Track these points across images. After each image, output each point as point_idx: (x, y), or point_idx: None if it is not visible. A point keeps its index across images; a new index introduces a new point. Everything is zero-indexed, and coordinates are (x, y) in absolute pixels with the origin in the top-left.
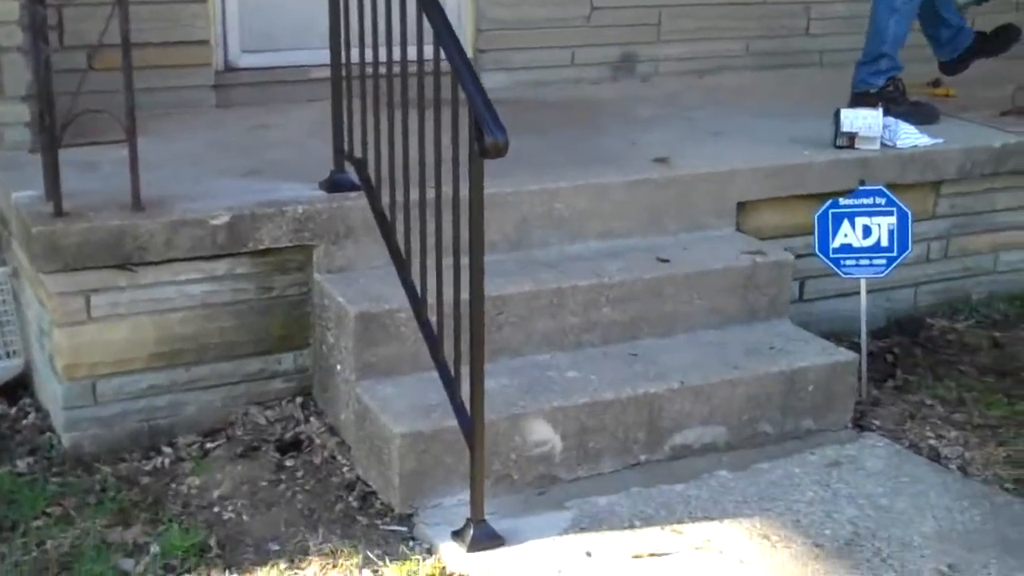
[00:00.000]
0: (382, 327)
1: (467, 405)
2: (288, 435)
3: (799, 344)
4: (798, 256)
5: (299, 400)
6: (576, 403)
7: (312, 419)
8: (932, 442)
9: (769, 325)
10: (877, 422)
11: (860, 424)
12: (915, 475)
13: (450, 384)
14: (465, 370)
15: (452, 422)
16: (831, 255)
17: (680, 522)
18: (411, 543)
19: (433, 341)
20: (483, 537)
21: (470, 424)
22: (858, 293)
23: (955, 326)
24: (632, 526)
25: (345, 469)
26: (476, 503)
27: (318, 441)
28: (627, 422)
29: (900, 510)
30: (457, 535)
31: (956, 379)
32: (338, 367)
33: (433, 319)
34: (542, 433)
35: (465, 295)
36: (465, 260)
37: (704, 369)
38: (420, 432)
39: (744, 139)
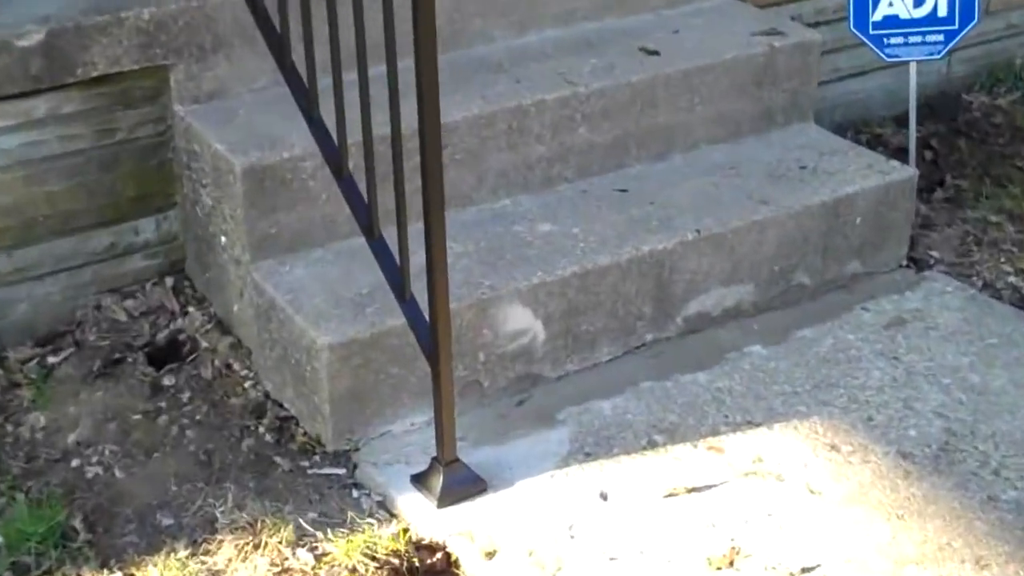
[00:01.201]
0: (282, 184)
1: (419, 299)
2: (161, 336)
3: (837, 159)
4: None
5: (169, 282)
6: (560, 274)
7: (191, 309)
8: (1012, 279)
9: (791, 133)
10: (935, 254)
11: (914, 259)
12: (1004, 333)
13: (393, 269)
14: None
15: (396, 320)
16: (871, 31)
17: (716, 433)
18: (355, 494)
19: (360, 205)
20: (458, 484)
21: (429, 330)
22: (881, 69)
23: (998, 103)
24: (653, 444)
25: (247, 384)
26: (445, 441)
27: (204, 343)
28: (628, 293)
29: (999, 390)
30: (420, 481)
31: (1018, 181)
32: (222, 240)
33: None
34: (519, 320)
35: (407, 126)
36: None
37: (721, 207)
38: (355, 340)
39: None
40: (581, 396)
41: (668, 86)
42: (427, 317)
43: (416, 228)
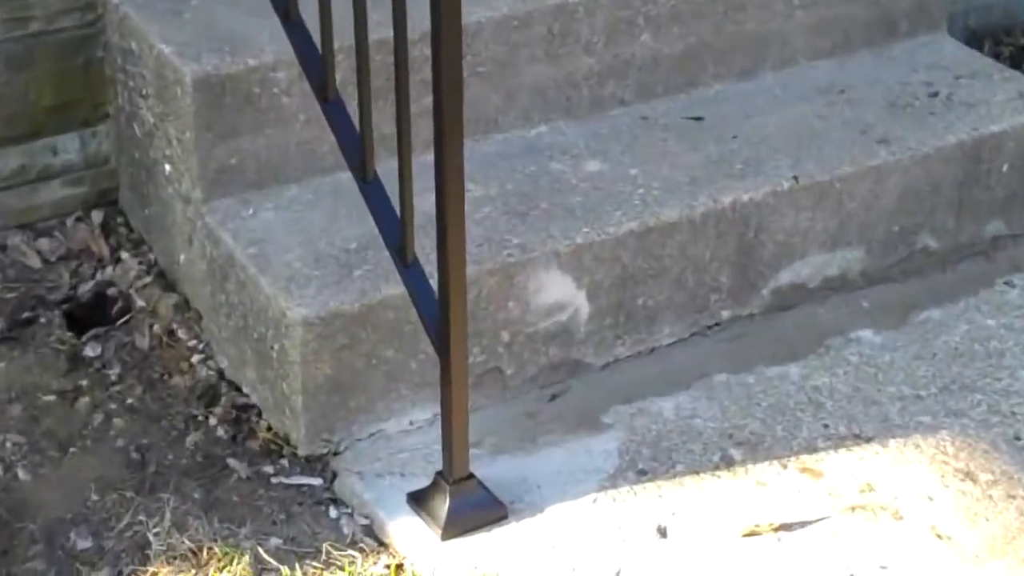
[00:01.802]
0: (247, 100)
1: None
2: (85, 290)
3: (979, 84)
4: None
5: (97, 218)
6: (612, 231)
7: (124, 255)
8: None
9: (917, 46)
10: None
11: None
12: None
13: (392, 222)
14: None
15: (394, 287)
16: None
17: (812, 449)
18: (333, 514)
19: (350, 135)
20: (469, 509)
21: (438, 303)
22: None
23: None
24: (728, 461)
25: (196, 359)
26: (454, 450)
27: (140, 302)
28: (700, 256)
29: None
30: (420, 502)
31: None
32: (166, 169)
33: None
34: (556, 290)
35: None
36: None
37: (825, 146)
38: (338, 312)
39: None
40: (634, 391)
41: None
42: (435, 286)
43: (423, 163)
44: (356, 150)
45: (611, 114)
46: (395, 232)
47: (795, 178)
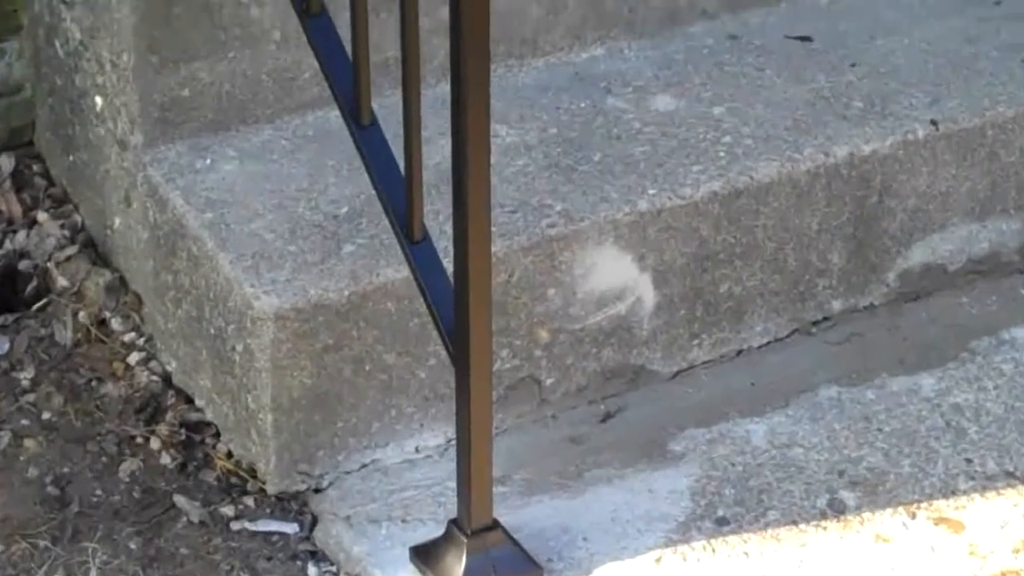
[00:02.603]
0: (204, 9)
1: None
2: None
3: None
4: None
5: (6, 165)
6: (688, 194)
7: (42, 216)
8: None
9: None
10: None
11: None
12: None
13: (394, 184)
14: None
15: (395, 271)
16: None
17: (951, 491)
18: (311, 571)
19: (339, 62)
20: (492, 570)
21: (454, 293)
22: None
23: None
24: (839, 507)
25: (134, 359)
26: (474, 491)
27: (63, 280)
28: (805, 228)
29: None
30: (428, 559)
31: None
32: (97, 103)
33: None
34: (611, 273)
35: None
36: None
37: (976, 78)
38: (320, 303)
39: None
40: (714, 410)
41: None
42: (450, 268)
43: (436, 98)
44: (348, 82)
45: (689, 31)
46: (399, 195)
47: (934, 122)
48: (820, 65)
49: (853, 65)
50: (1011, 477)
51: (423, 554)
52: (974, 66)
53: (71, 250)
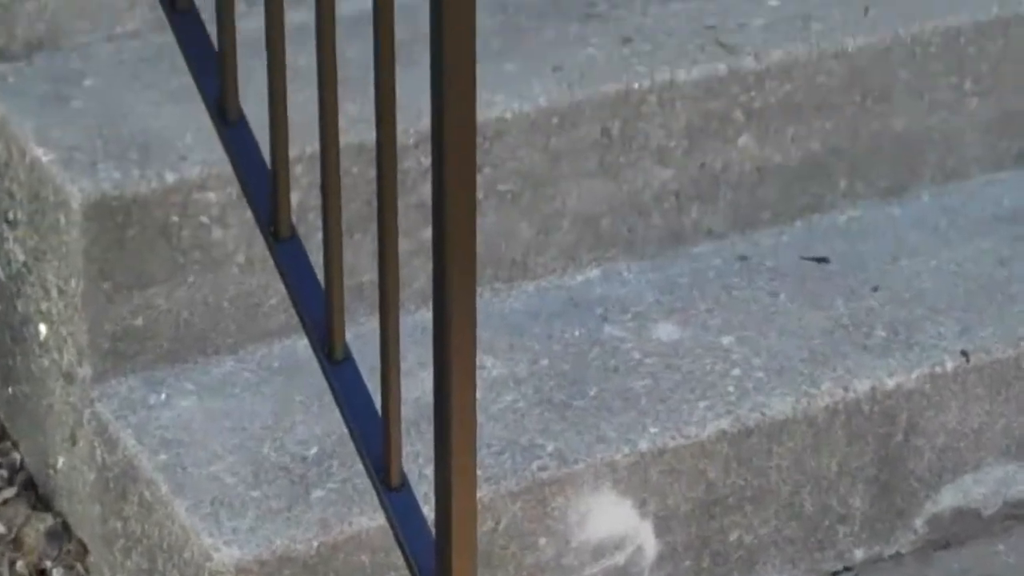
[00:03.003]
0: (162, 233)
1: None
2: None
3: None
4: None
5: None
6: (694, 433)
7: None
8: None
9: None
10: None
11: None
12: None
13: (369, 425)
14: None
15: (370, 519)
16: None
17: None
18: None
19: (310, 289)
20: None
21: (435, 545)
22: None
23: None
24: None
25: None
26: None
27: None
28: (823, 469)
29: None
30: None
31: None
32: (42, 331)
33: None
34: (610, 520)
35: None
36: None
37: (1008, 303)
38: (289, 555)
39: None
40: None
41: (915, 58)
42: (431, 518)
43: (416, 325)
44: (319, 310)
45: (693, 252)
46: (374, 435)
47: (964, 353)
48: (838, 289)
49: (875, 289)
50: None
51: None
52: (1007, 290)
53: (8, 492)
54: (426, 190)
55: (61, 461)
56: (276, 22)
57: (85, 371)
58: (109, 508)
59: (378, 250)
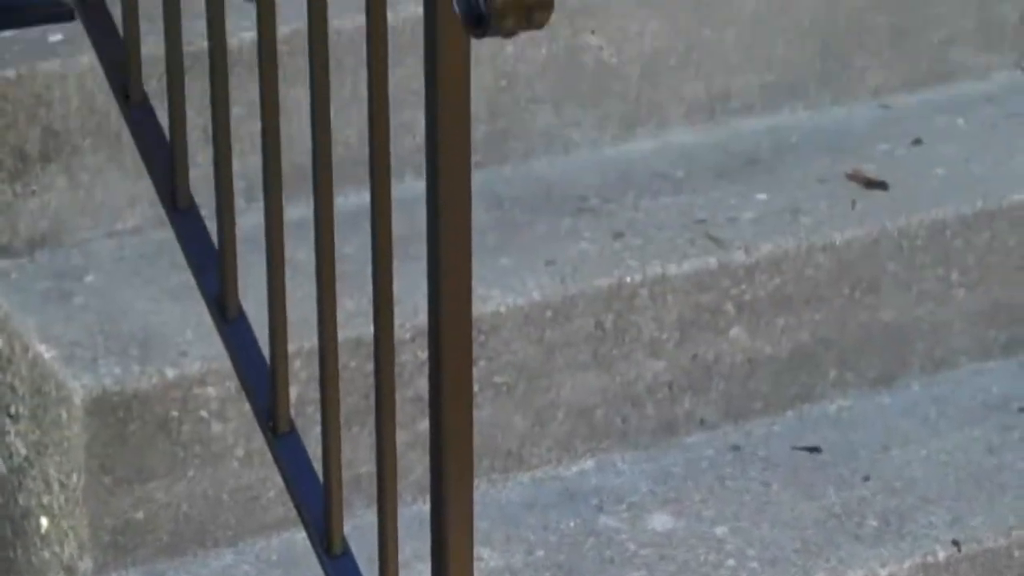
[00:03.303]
0: (161, 428)
1: None
2: None
3: None
4: None
5: None
6: None
7: None
8: None
9: None
10: None
11: None
12: None
13: None
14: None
15: None
16: None
17: None
18: None
19: (310, 483)
20: None
21: None
22: None
23: None
24: None
25: None
26: None
27: None
28: None
29: None
30: None
31: None
32: (43, 525)
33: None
34: None
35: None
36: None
37: (999, 492)
38: None
39: None
40: None
41: (902, 251)
42: None
43: (414, 516)
44: (318, 504)
45: (687, 442)
46: None
47: (955, 543)
48: (830, 479)
49: (866, 479)
50: None
51: None
52: (997, 479)
53: None
54: (423, 383)
55: None
56: (275, 221)
57: (86, 564)
58: None
59: (376, 443)
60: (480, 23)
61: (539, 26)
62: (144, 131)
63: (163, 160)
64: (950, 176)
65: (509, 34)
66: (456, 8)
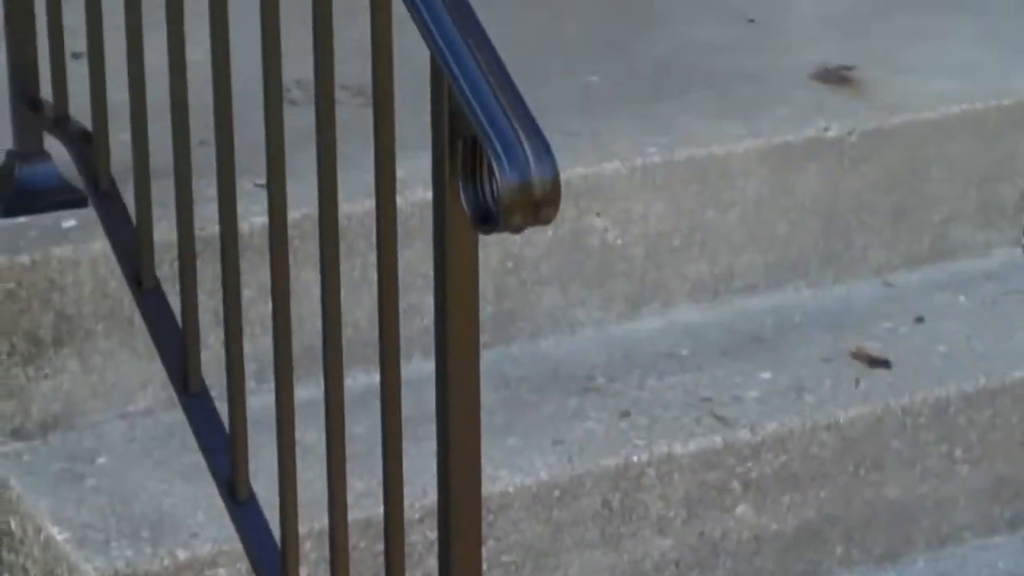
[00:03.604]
0: None
1: None
2: None
3: None
4: None
5: None
6: None
7: None
8: None
9: None
10: None
11: None
12: None
13: None
14: None
15: None
16: None
17: None
18: None
19: None
20: None
21: None
22: None
23: None
24: None
25: None
26: None
27: None
28: None
29: None
30: None
31: None
32: None
33: None
34: None
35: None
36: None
37: None
38: None
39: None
40: None
41: (906, 429)
42: None
43: None
44: None
45: None
46: None
47: None
48: None
49: None
50: None
51: None
52: None
53: None
54: (432, 563)
55: None
56: (286, 403)
57: None
58: None
59: None
60: (488, 220)
61: (546, 222)
62: (156, 318)
63: (175, 346)
64: (952, 353)
65: (517, 230)
66: (465, 206)
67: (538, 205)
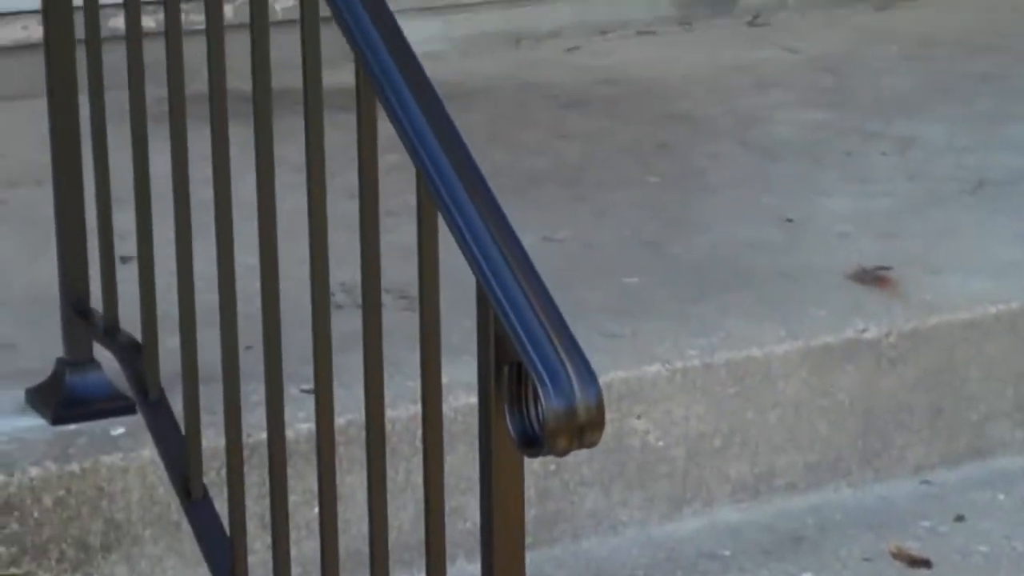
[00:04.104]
0: None
1: None
2: None
3: None
4: None
5: None
6: None
7: None
8: None
9: None
10: None
11: None
12: None
13: None
14: None
15: None
16: None
17: None
18: None
19: None
20: None
21: None
22: None
23: None
24: None
25: None
26: None
27: None
28: None
29: None
30: None
31: None
32: None
33: None
34: None
35: None
36: None
37: None
38: None
39: None
40: None
41: None
42: None
43: None
44: None
45: None
46: None
47: None
48: None
49: None
50: None
51: None
52: None
53: None
54: None
55: None
56: None
57: None
58: None
59: None
60: (533, 444)
61: (591, 446)
62: (204, 529)
63: (223, 554)
64: (993, 553)
65: (562, 454)
66: (511, 430)
67: (583, 429)
